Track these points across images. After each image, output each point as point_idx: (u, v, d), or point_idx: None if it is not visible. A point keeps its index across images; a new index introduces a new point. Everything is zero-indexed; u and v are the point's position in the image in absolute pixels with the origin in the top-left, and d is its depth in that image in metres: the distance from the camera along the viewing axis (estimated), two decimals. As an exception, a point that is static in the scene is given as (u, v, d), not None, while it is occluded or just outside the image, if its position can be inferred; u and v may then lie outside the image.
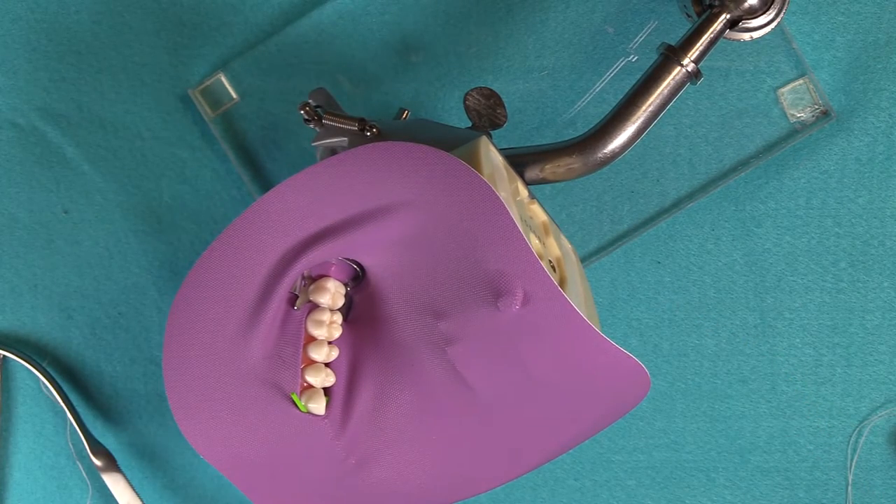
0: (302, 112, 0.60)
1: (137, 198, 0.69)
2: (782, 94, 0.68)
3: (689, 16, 0.65)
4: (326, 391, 0.59)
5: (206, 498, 0.71)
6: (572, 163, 0.61)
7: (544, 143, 0.65)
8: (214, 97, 0.68)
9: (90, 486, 0.70)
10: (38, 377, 0.69)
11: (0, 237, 0.69)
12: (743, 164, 0.68)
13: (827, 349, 0.69)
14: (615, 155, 0.61)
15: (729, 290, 0.69)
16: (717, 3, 0.63)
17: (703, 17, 0.63)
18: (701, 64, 0.62)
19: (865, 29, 0.68)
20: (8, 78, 0.69)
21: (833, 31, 0.68)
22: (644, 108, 0.61)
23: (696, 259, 0.69)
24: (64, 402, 0.69)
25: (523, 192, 0.60)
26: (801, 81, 0.68)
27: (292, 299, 0.58)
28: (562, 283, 0.60)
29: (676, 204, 0.68)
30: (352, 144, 0.60)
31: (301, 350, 0.59)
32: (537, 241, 0.59)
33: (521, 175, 0.61)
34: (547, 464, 0.62)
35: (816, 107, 0.68)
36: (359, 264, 0.58)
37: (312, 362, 0.59)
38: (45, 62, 0.69)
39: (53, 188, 0.69)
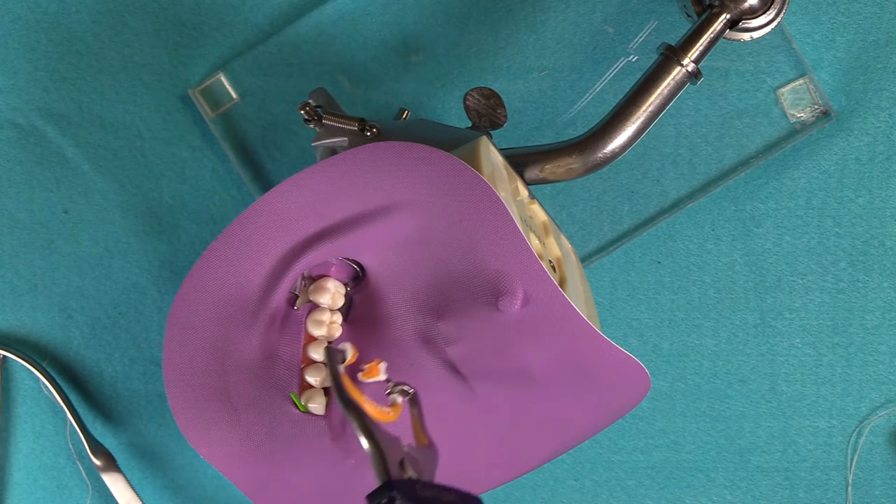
0: (302, 112, 0.60)
1: (137, 198, 0.69)
2: (782, 94, 0.68)
3: (689, 16, 0.65)
4: (326, 391, 0.59)
5: (206, 498, 0.71)
6: (572, 163, 0.61)
7: (544, 143, 0.65)
8: (214, 97, 0.68)
9: (90, 486, 0.70)
10: (38, 377, 0.69)
11: (0, 237, 0.69)
12: (743, 164, 0.68)
13: (827, 349, 0.69)
14: (615, 155, 0.61)
15: (729, 290, 0.69)
16: (717, 3, 0.63)
17: (703, 17, 0.63)
18: (701, 64, 0.62)
19: (865, 29, 0.68)
20: (8, 78, 0.69)
21: (833, 31, 0.68)
22: (644, 108, 0.61)
23: (696, 259, 0.69)
24: (64, 402, 0.69)
25: (523, 192, 0.60)
26: (801, 81, 0.68)
27: (292, 299, 0.58)
28: (562, 283, 0.60)
29: (676, 204, 0.68)
30: (352, 144, 0.60)
31: (301, 350, 0.59)
32: (537, 241, 0.59)
33: (521, 175, 0.61)
34: (547, 464, 0.62)
35: (816, 107, 0.68)
36: (359, 264, 0.58)
37: (312, 362, 0.59)
38: (45, 62, 0.69)
39: (53, 188, 0.69)
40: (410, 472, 0.51)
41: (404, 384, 0.55)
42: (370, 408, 0.53)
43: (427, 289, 0.57)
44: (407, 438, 0.53)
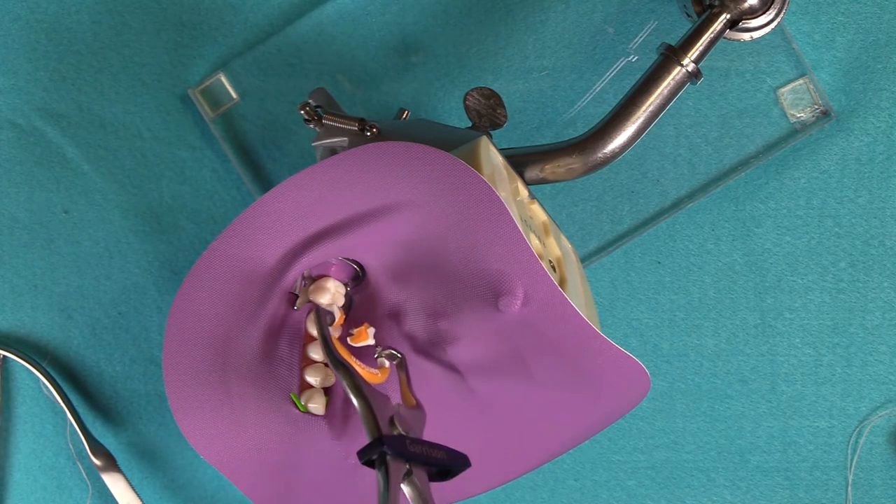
0: (302, 112, 0.60)
1: (137, 198, 0.69)
2: (782, 94, 0.68)
3: (689, 16, 0.65)
4: (326, 391, 0.59)
5: (206, 498, 0.71)
6: (572, 163, 0.61)
7: (544, 143, 0.65)
8: (214, 97, 0.68)
9: (90, 486, 0.70)
10: (38, 377, 0.69)
11: (0, 237, 0.69)
12: (743, 164, 0.68)
13: (827, 349, 0.69)
14: (615, 155, 0.61)
15: (729, 290, 0.69)
16: (717, 3, 0.63)
17: (703, 17, 0.63)
18: (701, 64, 0.62)
19: (865, 29, 0.68)
20: (8, 78, 0.69)
21: (833, 31, 0.68)
22: (644, 108, 0.61)
23: (696, 259, 0.69)
24: (64, 402, 0.69)
25: (523, 192, 0.60)
26: (801, 81, 0.68)
27: (292, 299, 0.58)
28: (562, 283, 0.60)
29: (676, 204, 0.68)
30: (352, 144, 0.60)
31: (301, 350, 0.59)
32: (537, 241, 0.59)
33: (521, 175, 0.61)
34: (547, 464, 0.62)
35: (816, 107, 0.68)
36: (359, 264, 0.58)
37: (312, 362, 0.59)
38: (45, 62, 0.69)
39: (53, 188, 0.69)
40: (400, 430, 0.52)
41: (392, 349, 0.56)
42: (359, 368, 0.54)
43: (427, 288, 0.57)
44: (396, 401, 0.54)
